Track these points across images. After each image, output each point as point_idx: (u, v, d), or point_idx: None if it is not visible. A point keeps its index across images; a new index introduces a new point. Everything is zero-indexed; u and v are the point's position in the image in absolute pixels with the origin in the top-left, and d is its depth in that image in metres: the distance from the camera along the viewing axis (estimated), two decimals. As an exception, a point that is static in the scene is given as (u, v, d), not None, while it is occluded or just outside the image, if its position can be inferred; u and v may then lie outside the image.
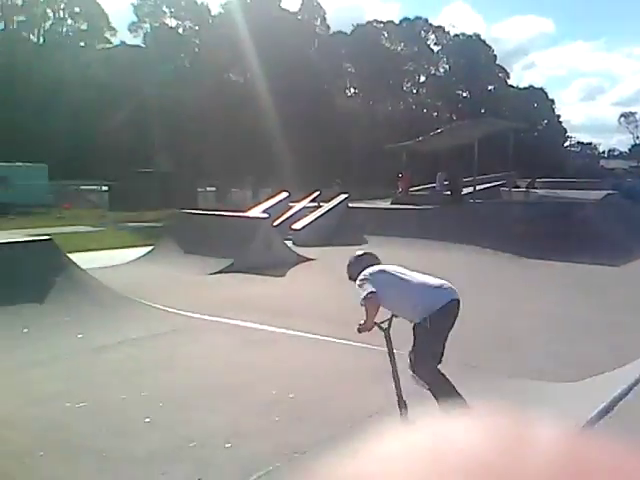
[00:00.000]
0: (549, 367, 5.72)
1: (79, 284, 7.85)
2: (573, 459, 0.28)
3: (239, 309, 8.47)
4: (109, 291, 8.14)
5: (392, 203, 22.39)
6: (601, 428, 3.12)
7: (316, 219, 17.81)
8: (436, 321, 4.41)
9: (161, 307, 8.22)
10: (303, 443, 4.26)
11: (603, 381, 4.55)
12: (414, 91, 64.96)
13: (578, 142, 77.93)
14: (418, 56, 63.68)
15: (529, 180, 29.14)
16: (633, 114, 75.51)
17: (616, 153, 78.73)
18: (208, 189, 38.49)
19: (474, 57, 62.29)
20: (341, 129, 43.03)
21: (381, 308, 4.63)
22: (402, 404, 4.41)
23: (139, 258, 13.10)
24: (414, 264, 12.87)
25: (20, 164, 32.35)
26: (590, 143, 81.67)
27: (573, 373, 5.35)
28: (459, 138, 24.76)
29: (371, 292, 4.50)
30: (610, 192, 21.23)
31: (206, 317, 7.95)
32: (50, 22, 58.44)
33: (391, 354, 4.58)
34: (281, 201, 19.68)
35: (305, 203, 20.21)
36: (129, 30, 56.42)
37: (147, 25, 54.59)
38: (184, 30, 53.04)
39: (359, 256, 5.10)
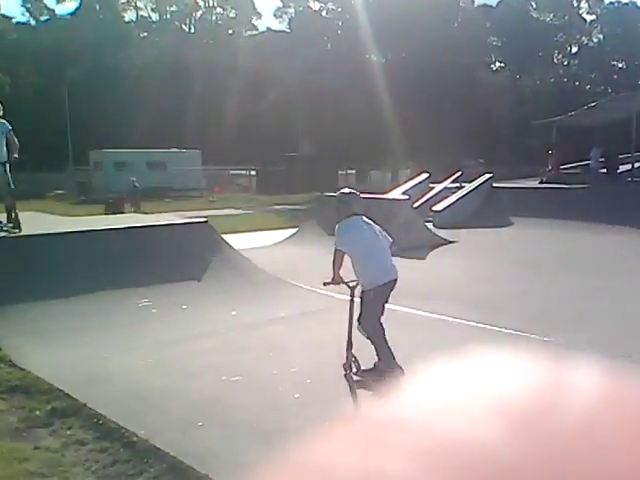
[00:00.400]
0: None
1: (232, 264, 8.30)
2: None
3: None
4: (259, 271, 8.53)
5: (541, 182, 21.40)
6: None
7: (458, 200, 17.41)
8: (379, 292, 5.44)
9: (307, 287, 8.49)
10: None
11: None
12: (565, 63, 61.21)
13: None
14: (569, 26, 59.84)
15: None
16: None
17: None
18: (348, 172, 38.95)
19: (631, 25, 57.39)
20: (485, 106, 41.56)
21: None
22: (350, 355, 5.34)
23: (285, 240, 13.57)
24: (562, 249, 12.26)
25: (176, 150, 34.52)
26: None
27: None
28: (615, 112, 23.08)
29: (339, 250, 5.45)
30: None
31: (349, 297, 8.10)
32: (201, 11, 61.58)
33: (351, 311, 5.50)
34: (421, 182, 19.45)
35: (446, 184, 19.84)
36: (274, 16, 58.25)
37: (292, 10, 55.83)
38: (327, 12, 53.60)
39: (346, 195, 5.79)
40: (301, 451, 0.27)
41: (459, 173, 20.64)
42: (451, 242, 13.38)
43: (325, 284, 5.67)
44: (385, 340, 5.42)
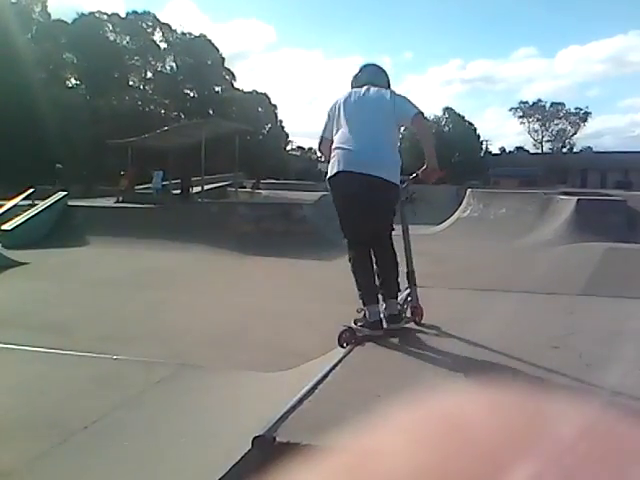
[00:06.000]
0: (261, 358, 6.01)
1: None
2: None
3: None
4: None
5: (117, 201, 21.62)
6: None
7: (30, 219, 16.40)
8: (330, 190, 4.45)
9: None
10: (9, 465, 3.87)
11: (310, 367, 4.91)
12: (141, 87, 63.32)
13: (299, 146, 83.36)
14: (144, 51, 62.24)
15: (254, 181, 30.39)
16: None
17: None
18: None
19: (201, 57, 62.90)
20: (60, 121, 40.06)
21: None
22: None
23: None
24: (137, 266, 12.60)
25: None
26: (310, 148, 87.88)
27: (286, 363, 5.70)
28: (186, 137, 24.85)
29: (320, 137, 4.52)
30: (325, 193, 23.05)
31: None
32: None
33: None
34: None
35: (17, 201, 18.48)
36: None
37: None
38: None
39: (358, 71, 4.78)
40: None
41: (31, 190, 19.44)
42: (23, 264, 12.48)
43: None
44: (361, 279, 4.37)
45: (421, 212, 19.55)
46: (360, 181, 4.17)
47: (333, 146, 4.38)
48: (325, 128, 4.53)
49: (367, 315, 4.45)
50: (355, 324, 4.52)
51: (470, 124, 75.28)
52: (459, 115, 75.57)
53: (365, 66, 4.82)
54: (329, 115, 4.53)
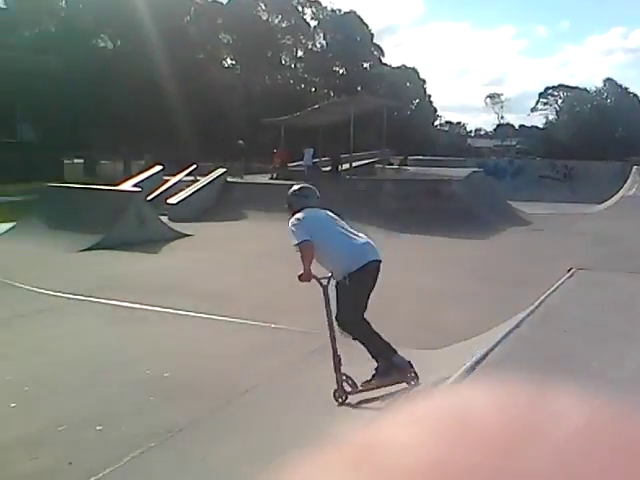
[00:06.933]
0: (417, 335, 6.02)
1: None
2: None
3: (111, 288, 8.18)
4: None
5: (271, 178, 22.44)
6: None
7: (193, 193, 17.48)
8: (356, 280, 4.78)
9: (26, 287, 7.78)
10: (178, 422, 4.22)
11: (464, 347, 4.86)
12: (292, 65, 64.75)
13: (447, 121, 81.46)
14: (295, 30, 63.40)
15: (401, 158, 30.13)
16: (499, 95, 79.79)
17: (482, 132, 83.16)
18: (76, 161, 36.64)
19: (350, 34, 63.05)
20: (217, 101, 42.15)
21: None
22: (339, 376, 4.60)
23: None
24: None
25: None
26: (459, 122, 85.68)
27: (439, 340, 5.68)
28: (336, 114, 25.16)
29: (304, 240, 4.76)
30: (475, 170, 22.38)
31: (75, 296, 7.61)
32: None
33: (328, 312, 4.82)
34: (155, 174, 19.11)
35: (181, 177, 19.76)
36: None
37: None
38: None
39: (299, 190, 5.33)
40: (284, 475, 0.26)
41: (193, 166, 20.70)
42: (187, 235, 13.36)
43: (300, 279, 4.76)
44: (376, 334, 4.74)
45: (582, 190, 18.43)
46: (378, 265, 4.93)
47: (341, 250, 4.87)
48: (305, 232, 4.86)
49: (398, 365, 4.73)
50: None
51: (635, 96, 69.46)
52: (622, 87, 69.99)
53: (309, 190, 5.38)
54: (303, 224, 4.92)
